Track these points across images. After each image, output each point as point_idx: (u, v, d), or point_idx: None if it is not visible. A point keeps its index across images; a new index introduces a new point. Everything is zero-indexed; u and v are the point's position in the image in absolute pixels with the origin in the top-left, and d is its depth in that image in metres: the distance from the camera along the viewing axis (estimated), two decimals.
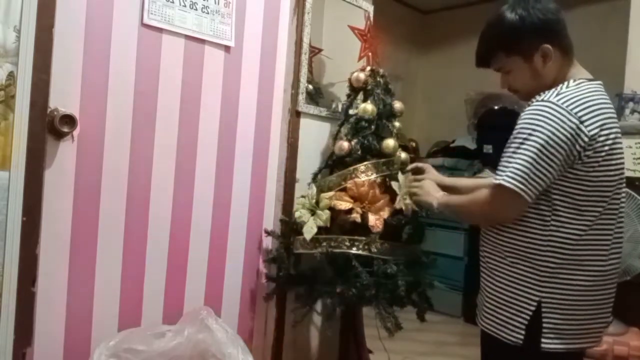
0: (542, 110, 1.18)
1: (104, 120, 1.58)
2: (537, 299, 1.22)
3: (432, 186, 1.57)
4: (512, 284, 1.26)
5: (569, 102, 1.18)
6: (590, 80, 1.27)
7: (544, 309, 1.22)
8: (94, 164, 1.58)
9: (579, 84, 1.24)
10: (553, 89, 1.23)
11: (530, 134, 1.17)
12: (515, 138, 1.21)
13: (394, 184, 1.85)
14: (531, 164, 1.16)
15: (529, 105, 1.23)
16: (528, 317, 1.23)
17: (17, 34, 1.37)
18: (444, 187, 1.73)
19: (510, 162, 1.19)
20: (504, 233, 1.28)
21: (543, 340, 1.22)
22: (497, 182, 1.19)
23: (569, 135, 1.15)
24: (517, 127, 1.22)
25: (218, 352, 1.59)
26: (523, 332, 1.23)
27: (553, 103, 1.18)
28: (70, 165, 1.52)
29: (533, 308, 1.23)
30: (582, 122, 1.16)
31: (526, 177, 1.16)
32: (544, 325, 1.22)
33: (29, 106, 1.39)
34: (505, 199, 1.20)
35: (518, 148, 1.18)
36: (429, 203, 1.51)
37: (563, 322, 1.22)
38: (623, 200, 1.29)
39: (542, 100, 1.20)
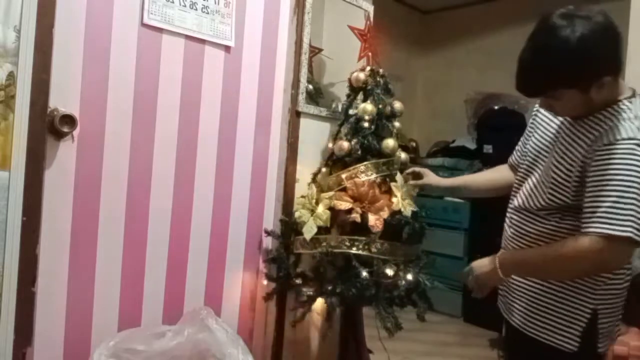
0: (634, 155, 1.11)
1: (104, 120, 1.58)
2: (592, 307, 1.24)
3: (479, 264, 1.35)
4: (568, 294, 1.26)
5: None
6: (634, 91, 1.24)
7: (599, 316, 1.25)
8: (94, 164, 1.58)
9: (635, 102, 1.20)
10: (619, 116, 1.17)
11: (631, 182, 1.10)
12: (613, 182, 1.11)
13: (393, 185, 1.85)
14: (637, 208, 1.10)
15: (606, 141, 1.14)
16: (584, 325, 1.24)
17: (17, 34, 1.37)
18: (452, 188, 1.76)
19: (620, 210, 1.09)
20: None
21: (599, 345, 1.25)
22: (618, 233, 1.09)
23: None
24: (610, 170, 1.12)
25: (218, 352, 1.59)
26: (579, 339, 1.25)
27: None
28: (70, 165, 1.52)
29: (589, 316, 1.24)
30: None
31: (637, 223, 1.10)
32: (600, 331, 1.25)
33: (29, 106, 1.39)
34: (624, 249, 1.13)
35: (622, 197, 1.09)
36: (494, 279, 1.31)
37: (612, 325, 1.28)
38: None
39: (630, 140, 1.12)
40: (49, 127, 1.45)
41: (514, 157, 1.52)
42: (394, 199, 1.85)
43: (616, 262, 1.18)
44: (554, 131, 1.33)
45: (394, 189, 1.85)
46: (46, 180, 1.46)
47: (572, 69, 1.12)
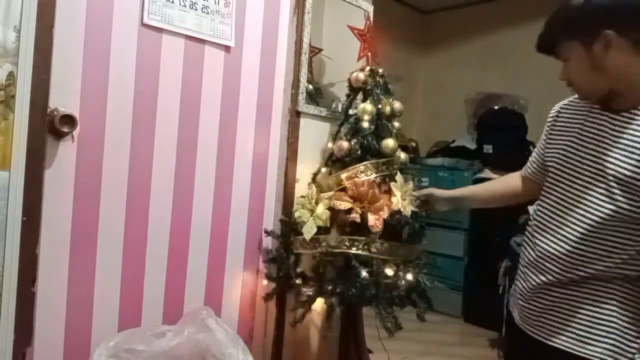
0: None
1: (104, 120, 1.58)
2: None
3: None
4: (630, 309, 1.16)
5: None
6: None
7: None
8: (94, 164, 1.58)
9: None
10: None
11: None
12: None
13: (393, 185, 1.86)
14: None
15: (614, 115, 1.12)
16: None
17: (17, 34, 1.37)
18: (457, 199, 1.67)
19: None
20: (627, 259, 1.14)
21: None
22: None
23: None
24: None
25: (218, 352, 1.59)
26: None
27: None
28: (70, 165, 1.52)
29: None
30: None
31: None
32: None
33: (29, 106, 1.39)
34: None
35: None
36: None
37: None
38: None
39: None
40: (49, 127, 1.45)
41: (530, 170, 1.44)
42: (393, 199, 1.85)
43: None
44: (588, 134, 1.22)
45: (393, 188, 1.85)
46: (46, 180, 1.46)
47: (567, 14, 1.15)
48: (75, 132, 1.50)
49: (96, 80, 1.56)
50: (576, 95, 1.29)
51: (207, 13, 1.80)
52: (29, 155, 1.40)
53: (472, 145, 4.09)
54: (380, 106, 1.96)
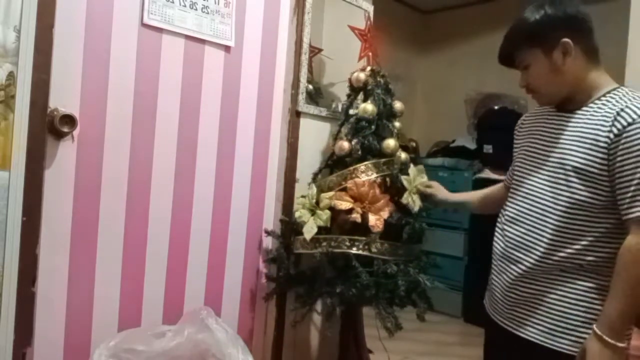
0: None
1: (104, 120, 1.58)
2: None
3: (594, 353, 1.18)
4: (597, 299, 1.21)
5: None
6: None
7: None
8: (94, 164, 1.58)
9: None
10: (624, 98, 1.21)
11: None
12: None
13: (404, 179, 1.86)
14: None
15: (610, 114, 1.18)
16: None
17: (17, 34, 1.37)
18: (458, 203, 1.84)
19: None
20: (589, 248, 1.21)
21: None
22: None
23: None
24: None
25: (218, 352, 1.59)
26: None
27: None
28: (70, 165, 1.52)
29: None
30: None
31: None
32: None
33: (29, 106, 1.39)
34: None
35: None
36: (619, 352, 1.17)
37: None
38: None
39: None
40: (49, 127, 1.45)
41: (508, 178, 1.56)
42: (405, 195, 1.85)
43: None
44: (547, 133, 1.34)
45: (404, 181, 1.86)
46: (46, 180, 1.46)
47: (528, 25, 1.27)
48: (75, 132, 1.50)
49: (96, 80, 1.56)
50: (535, 108, 1.45)
51: (207, 13, 1.80)
52: (29, 155, 1.40)
53: (472, 145, 4.09)
54: (380, 106, 1.96)
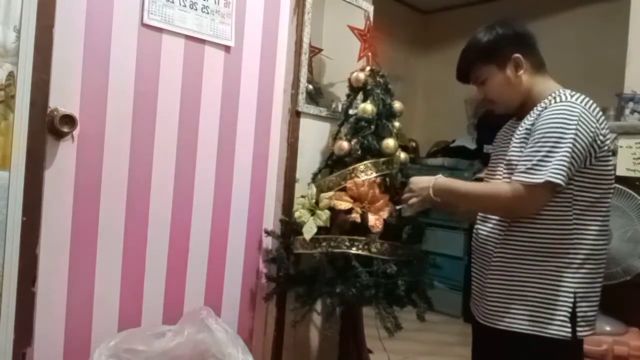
0: (567, 111, 1.26)
1: (104, 120, 1.58)
2: (572, 290, 1.29)
3: (420, 179, 1.55)
4: (549, 280, 1.31)
5: (587, 103, 1.29)
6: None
7: (577, 300, 1.29)
8: (94, 164, 1.58)
9: (575, 94, 1.33)
10: (554, 95, 1.33)
11: (563, 133, 1.24)
12: (546, 137, 1.26)
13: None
14: (568, 161, 1.23)
15: (544, 109, 1.30)
16: (570, 310, 1.29)
17: (17, 34, 1.37)
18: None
19: (549, 160, 1.24)
20: (531, 231, 1.32)
21: (578, 329, 1.29)
22: (542, 179, 1.23)
23: (591, 134, 1.25)
24: (544, 126, 1.27)
25: (218, 352, 1.59)
26: (569, 325, 1.28)
27: (575, 104, 1.27)
28: (70, 165, 1.52)
29: (571, 300, 1.29)
30: (598, 121, 1.28)
31: (565, 173, 1.23)
32: (578, 315, 1.29)
33: (29, 106, 1.39)
34: (542, 196, 1.27)
35: (554, 147, 1.24)
36: (425, 196, 1.50)
37: (590, 310, 1.32)
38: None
39: (563, 102, 1.28)
40: (49, 127, 1.45)
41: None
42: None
43: (531, 209, 1.30)
44: (504, 140, 1.49)
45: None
46: (46, 180, 1.46)
47: (482, 44, 1.42)
48: (75, 132, 1.50)
49: (96, 80, 1.56)
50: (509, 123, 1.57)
51: (207, 13, 1.80)
52: (29, 155, 1.40)
53: (472, 145, 4.09)
54: (380, 106, 1.96)
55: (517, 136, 1.37)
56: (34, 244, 1.44)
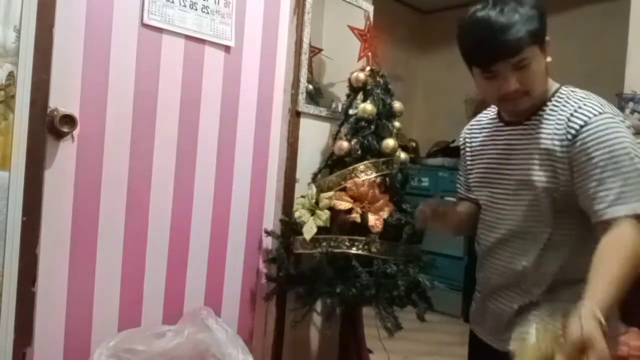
0: (619, 126, 1.09)
1: (104, 120, 1.58)
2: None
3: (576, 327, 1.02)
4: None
5: (617, 112, 1.13)
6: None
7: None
8: (94, 164, 1.58)
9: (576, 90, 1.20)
10: (570, 99, 1.16)
11: (628, 152, 1.06)
12: (613, 161, 1.06)
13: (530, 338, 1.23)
14: None
15: (585, 122, 1.10)
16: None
17: (17, 34, 1.37)
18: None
19: (633, 184, 1.05)
20: (582, 256, 1.09)
21: None
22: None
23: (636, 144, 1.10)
24: (602, 148, 1.07)
25: (218, 352, 1.59)
26: None
27: (615, 115, 1.11)
28: (70, 165, 1.52)
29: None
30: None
31: None
32: None
33: (29, 106, 1.39)
34: None
35: (630, 170, 1.05)
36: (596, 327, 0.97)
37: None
38: None
39: (601, 114, 1.10)
40: (49, 127, 1.45)
41: (462, 190, 1.44)
42: None
43: None
44: (500, 147, 1.27)
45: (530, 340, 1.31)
46: (46, 180, 1.46)
47: (533, 16, 1.11)
48: (75, 132, 1.50)
49: (96, 80, 1.56)
50: (475, 119, 1.39)
51: (207, 13, 1.80)
52: (29, 155, 1.40)
53: None
54: (380, 106, 1.96)
55: (530, 150, 1.18)
56: (34, 244, 1.44)
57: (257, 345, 2.08)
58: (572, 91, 1.19)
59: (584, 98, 1.15)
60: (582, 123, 1.10)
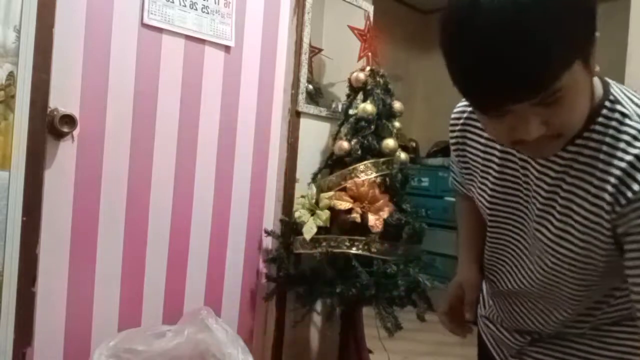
0: None
1: (104, 120, 1.58)
2: None
3: None
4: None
5: None
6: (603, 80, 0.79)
7: None
8: (94, 164, 1.58)
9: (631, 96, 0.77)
10: (622, 131, 0.73)
11: None
12: None
13: None
14: None
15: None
16: None
17: (17, 34, 1.37)
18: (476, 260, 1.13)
19: None
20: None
21: None
22: None
23: None
24: None
25: (218, 352, 1.59)
26: None
27: None
28: (70, 165, 1.52)
29: None
30: None
31: None
32: None
33: (29, 106, 1.39)
34: None
35: None
36: None
37: None
38: None
39: None
40: (49, 127, 1.45)
41: (462, 188, 1.07)
42: None
43: None
44: (509, 176, 0.88)
45: None
46: (46, 180, 1.46)
47: (584, 7, 0.64)
48: (75, 132, 1.50)
49: (96, 80, 1.56)
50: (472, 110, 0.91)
51: (207, 13, 1.80)
52: (29, 155, 1.40)
53: None
54: (380, 106, 1.96)
55: (562, 203, 0.79)
56: (34, 244, 1.44)
57: (257, 345, 2.08)
58: (624, 113, 0.74)
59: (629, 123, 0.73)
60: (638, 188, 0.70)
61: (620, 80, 2.64)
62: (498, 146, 0.89)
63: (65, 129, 1.45)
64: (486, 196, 0.93)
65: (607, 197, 0.73)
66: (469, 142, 0.95)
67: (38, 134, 1.42)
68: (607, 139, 0.74)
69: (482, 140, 0.92)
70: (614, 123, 0.74)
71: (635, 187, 0.70)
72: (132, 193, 1.67)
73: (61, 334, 1.55)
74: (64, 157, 1.51)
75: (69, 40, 1.49)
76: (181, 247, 1.81)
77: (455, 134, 0.97)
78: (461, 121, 0.96)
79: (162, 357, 1.54)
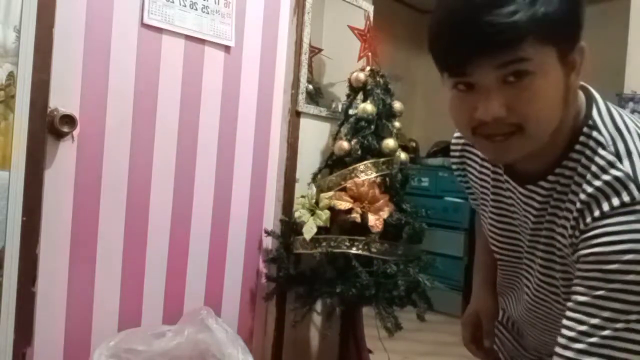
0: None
1: (104, 120, 1.58)
2: None
3: None
4: None
5: None
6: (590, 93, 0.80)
7: None
8: (94, 164, 1.58)
9: (621, 114, 0.76)
10: (609, 169, 0.69)
11: (627, 300, 0.64)
12: (603, 300, 0.65)
13: None
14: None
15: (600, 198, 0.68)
16: None
17: (17, 34, 1.37)
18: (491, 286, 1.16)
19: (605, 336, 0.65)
20: None
21: None
22: None
23: None
24: (602, 278, 0.66)
25: (218, 352, 1.59)
26: None
27: None
28: (70, 165, 1.52)
29: None
30: None
31: None
32: None
33: (29, 106, 1.39)
34: None
35: (606, 325, 0.65)
36: None
37: None
38: None
39: (627, 206, 0.65)
40: (49, 127, 1.45)
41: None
42: None
43: None
44: (504, 207, 0.89)
45: None
46: (46, 180, 1.46)
47: (551, 5, 0.65)
48: (75, 132, 1.50)
49: (96, 80, 1.56)
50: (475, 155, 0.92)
51: (207, 13, 1.80)
52: (29, 155, 1.40)
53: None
54: (380, 106, 1.96)
55: (548, 245, 0.79)
56: (34, 244, 1.44)
57: (257, 345, 2.08)
58: (598, 141, 0.72)
59: (618, 157, 0.69)
60: (599, 214, 0.67)
61: (620, 80, 2.65)
62: (490, 166, 0.88)
63: (65, 129, 1.45)
64: (487, 220, 0.93)
65: (569, 226, 0.73)
66: (468, 168, 0.96)
67: (38, 134, 1.42)
68: (579, 169, 0.72)
69: (479, 161, 0.92)
70: (587, 152, 0.72)
71: (588, 219, 0.69)
72: (132, 193, 1.66)
73: (61, 334, 1.55)
74: (64, 157, 1.51)
75: (69, 40, 1.49)
76: (181, 247, 1.81)
77: (455, 159, 0.99)
78: (459, 147, 0.97)
79: (162, 357, 1.54)
